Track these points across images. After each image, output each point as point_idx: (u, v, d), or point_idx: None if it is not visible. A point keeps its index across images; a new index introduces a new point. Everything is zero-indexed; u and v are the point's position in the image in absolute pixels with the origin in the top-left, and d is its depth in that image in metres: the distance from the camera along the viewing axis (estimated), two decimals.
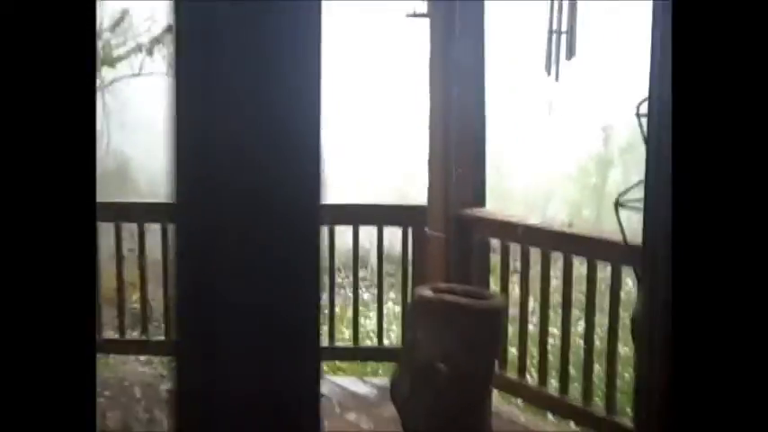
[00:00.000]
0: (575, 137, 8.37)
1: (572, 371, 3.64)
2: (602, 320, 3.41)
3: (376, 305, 4.36)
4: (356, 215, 4.11)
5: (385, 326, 4.47)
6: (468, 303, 3.19)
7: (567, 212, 8.12)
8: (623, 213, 2.52)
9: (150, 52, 7.96)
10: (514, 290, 3.91)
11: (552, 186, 8.70)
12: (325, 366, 4.76)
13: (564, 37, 3.49)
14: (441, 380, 3.14)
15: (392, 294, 5.74)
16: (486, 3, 3.81)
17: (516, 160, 8.20)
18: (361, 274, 4.42)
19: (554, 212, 8.12)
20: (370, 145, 7.85)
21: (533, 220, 4.17)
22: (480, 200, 3.86)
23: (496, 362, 3.54)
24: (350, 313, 4.55)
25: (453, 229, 3.81)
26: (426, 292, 3.30)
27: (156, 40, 7.90)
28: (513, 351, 3.83)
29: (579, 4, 3.42)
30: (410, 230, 4.03)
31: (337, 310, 4.97)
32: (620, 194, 2.54)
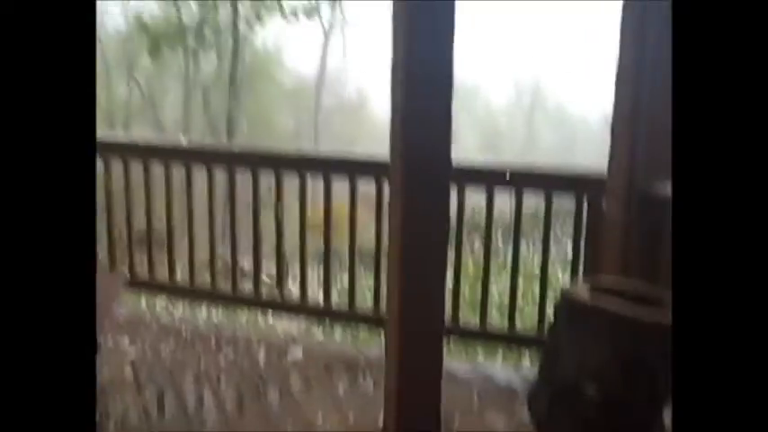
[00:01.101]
0: None
1: None
2: None
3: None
4: (514, 177, 3.40)
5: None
6: (634, 316, 2.41)
7: None
8: None
9: None
10: None
11: None
12: (471, 347, 4.13)
13: None
14: (587, 407, 2.42)
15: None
16: None
17: None
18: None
19: None
20: None
21: None
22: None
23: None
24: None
25: (637, 208, 2.98)
26: (582, 291, 2.55)
27: None
28: None
29: None
30: (584, 203, 3.25)
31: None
32: None
